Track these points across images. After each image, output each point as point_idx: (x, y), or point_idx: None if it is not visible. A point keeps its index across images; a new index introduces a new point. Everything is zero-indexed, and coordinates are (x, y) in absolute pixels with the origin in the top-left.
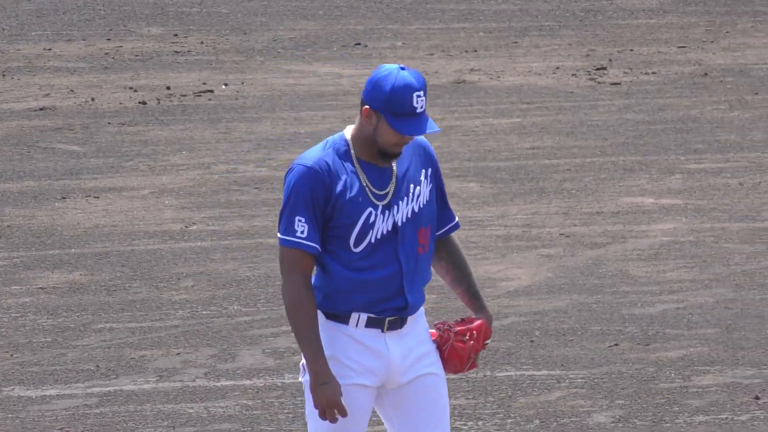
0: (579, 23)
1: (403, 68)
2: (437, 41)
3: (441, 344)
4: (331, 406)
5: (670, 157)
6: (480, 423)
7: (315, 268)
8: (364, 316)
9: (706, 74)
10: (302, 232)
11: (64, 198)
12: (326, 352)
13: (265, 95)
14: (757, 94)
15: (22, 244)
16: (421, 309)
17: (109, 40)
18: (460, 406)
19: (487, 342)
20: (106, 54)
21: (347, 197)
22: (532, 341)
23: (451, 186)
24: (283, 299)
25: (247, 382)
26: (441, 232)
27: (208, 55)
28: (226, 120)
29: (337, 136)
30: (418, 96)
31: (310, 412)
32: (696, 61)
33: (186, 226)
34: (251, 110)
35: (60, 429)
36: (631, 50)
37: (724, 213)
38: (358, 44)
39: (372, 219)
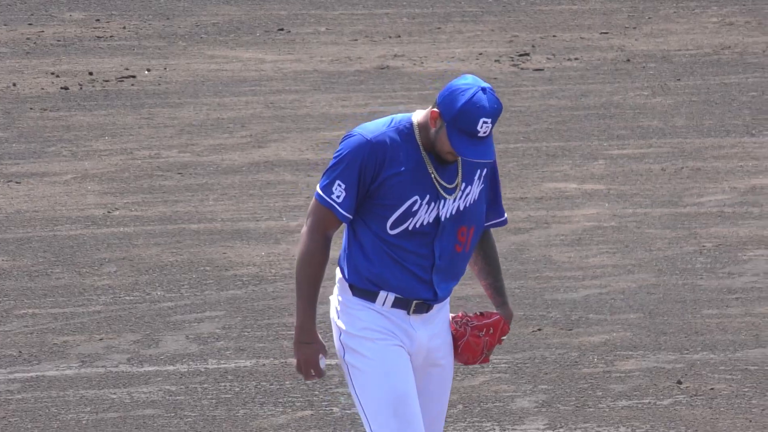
0: (502, 9)
1: (483, 89)
2: (361, 27)
3: (457, 337)
4: (308, 365)
5: (593, 143)
6: None
7: (348, 239)
8: (392, 296)
9: (628, 60)
10: (338, 197)
11: None
12: (358, 325)
13: (188, 81)
14: (679, 80)
15: None
16: (448, 299)
17: (30, 25)
18: None
19: (503, 338)
20: (28, 39)
21: (398, 180)
22: None
23: None
24: (299, 249)
25: (171, 368)
26: (487, 224)
27: (131, 41)
28: (148, 105)
29: (402, 116)
30: (485, 122)
31: (362, 389)
32: (619, 47)
33: (108, 212)
34: (174, 96)
35: None
36: (554, 36)
37: (647, 198)
38: (282, 30)
39: (415, 207)
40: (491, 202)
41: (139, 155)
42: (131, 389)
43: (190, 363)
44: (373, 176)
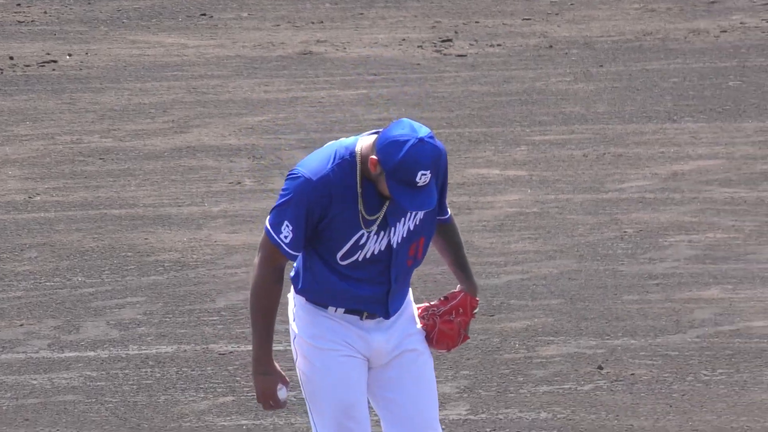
0: None
1: (422, 140)
2: (284, 12)
3: (428, 330)
4: (266, 396)
5: (516, 129)
6: None
7: (299, 262)
8: (341, 309)
9: (551, 46)
10: (286, 237)
11: None
12: (309, 331)
13: (110, 66)
14: (601, 66)
15: None
16: (408, 296)
17: None
18: None
19: (475, 311)
20: None
21: (343, 217)
22: None
23: (296, 158)
24: (252, 280)
25: (91, 354)
26: (439, 219)
27: (52, 25)
28: (70, 90)
29: (345, 147)
30: (423, 174)
31: (310, 395)
32: (541, 33)
33: (29, 197)
34: (96, 81)
35: None
36: (477, 22)
37: (569, 184)
38: (204, 15)
39: (363, 240)
40: (439, 204)
41: (60, 140)
42: (52, 375)
43: (111, 349)
44: (320, 216)
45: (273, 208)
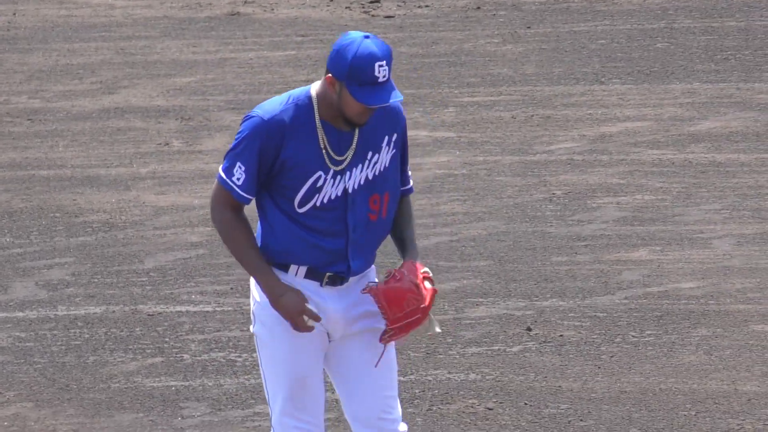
0: None
1: (367, 36)
2: None
3: (377, 300)
4: (298, 313)
5: (444, 90)
6: (255, 355)
7: (259, 219)
8: (303, 268)
9: (479, 8)
10: (238, 179)
11: None
12: None
13: (38, 26)
14: (529, 28)
15: None
16: (371, 267)
17: None
18: (235, 338)
19: (425, 271)
20: None
21: (298, 158)
22: None
23: (225, 119)
24: (217, 230)
25: (20, 314)
26: (401, 189)
27: None
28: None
29: (300, 91)
30: (380, 66)
31: (266, 361)
32: None
33: None
34: (23, 41)
35: None
36: None
37: (497, 146)
38: None
39: (320, 183)
40: (401, 171)
41: None
42: None
43: (40, 309)
44: (274, 156)
45: (227, 153)
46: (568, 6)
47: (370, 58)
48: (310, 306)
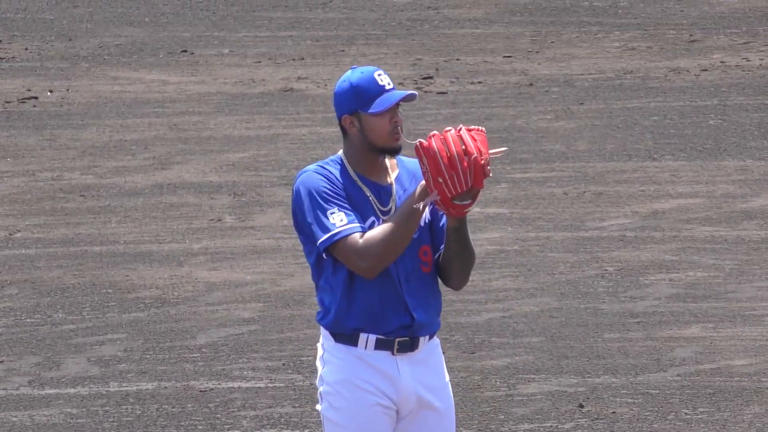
0: (406, 32)
1: (354, 67)
2: (264, 49)
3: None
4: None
5: (497, 166)
6: (306, 431)
7: (319, 284)
8: (372, 337)
9: (531, 84)
10: (341, 220)
11: None
12: (340, 376)
13: (91, 102)
14: (582, 104)
15: None
16: (437, 340)
17: None
18: (287, 414)
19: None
20: None
21: (353, 205)
22: None
23: (277, 195)
24: (377, 260)
25: (72, 391)
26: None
27: (33, 62)
28: (51, 127)
29: (329, 157)
30: (380, 75)
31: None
32: (522, 71)
33: (10, 234)
34: (76, 117)
35: None
36: (458, 60)
37: (549, 222)
38: (185, 51)
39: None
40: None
41: (41, 177)
42: (32, 412)
43: (92, 386)
44: (344, 196)
45: (310, 228)
46: (621, 83)
47: (368, 74)
48: (363, 424)
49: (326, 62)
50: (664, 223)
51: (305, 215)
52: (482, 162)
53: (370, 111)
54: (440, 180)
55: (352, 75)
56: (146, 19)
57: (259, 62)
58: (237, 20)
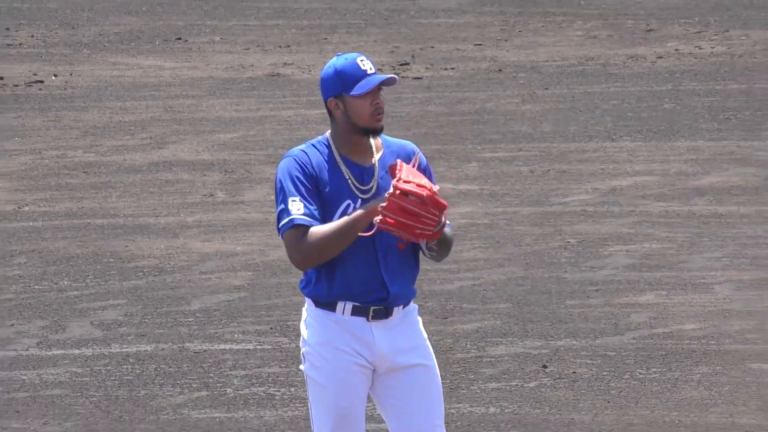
0: (384, 22)
1: (339, 54)
2: (253, 37)
3: (397, 165)
4: (373, 208)
5: (468, 146)
6: (292, 389)
7: None
8: (349, 305)
9: (500, 70)
10: (298, 209)
11: None
12: (320, 338)
13: (92, 86)
14: (547, 89)
15: None
16: (413, 305)
17: None
18: (274, 374)
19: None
20: None
21: (327, 190)
22: None
23: (265, 172)
24: (308, 259)
25: (77, 352)
26: None
27: (39, 48)
28: (56, 109)
29: (318, 137)
30: (362, 60)
31: (313, 398)
32: (491, 57)
33: (19, 207)
34: (79, 100)
35: None
36: (432, 47)
37: (516, 198)
38: (179, 39)
39: (350, 210)
40: None
41: (47, 155)
42: (40, 371)
43: (95, 347)
44: (313, 185)
45: (277, 204)
46: (583, 69)
47: (351, 59)
48: (340, 383)
49: (310, 49)
50: (621, 199)
51: (275, 199)
52: (434, 193)
53: (352, 93)
54: (418, 232)
55: (336, 61)
56: (143, 9)
57: (248, 49)
58: (227, 10)
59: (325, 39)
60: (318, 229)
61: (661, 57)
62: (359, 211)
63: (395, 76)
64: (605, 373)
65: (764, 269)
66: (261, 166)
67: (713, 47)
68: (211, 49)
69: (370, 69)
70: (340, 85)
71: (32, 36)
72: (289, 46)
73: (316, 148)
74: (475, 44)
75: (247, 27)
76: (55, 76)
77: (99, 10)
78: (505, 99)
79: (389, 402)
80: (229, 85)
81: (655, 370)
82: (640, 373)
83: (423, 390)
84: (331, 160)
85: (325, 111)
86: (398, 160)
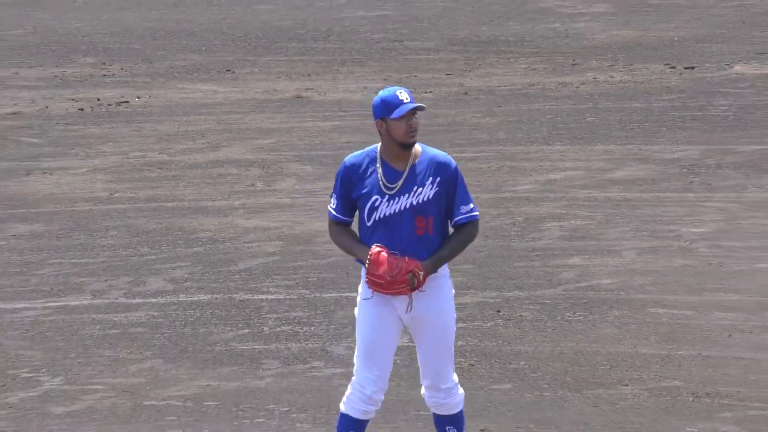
0: (380, 57)
1: (387, 87)
2: (283, 69)
3: (370, 254)
4: (364, 256)
5: (442, 149)
6: (312, 328)
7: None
8: None
9: (466, 93)
10: (333, 206)
11: (28, 174)
12: (362, 294)
13: (165, 105)
14: (500, 107)
15: (0, 206)
16: (440, 273)
17: (57, 66)
18: (298, 317)
19: (416, 270)
20: (56, 76)
21: (366, 187)
22: None
23: (292, 168)
24: (332, 241)
25: (153, 300)
26: (453, 220)
27: (126, 78)
28: (137, 122)
29: (373, 145)
30: (400, 92)
31: (356, 331)
32: (459, 84)
33: (111, 194)
34: (155, 115)
35: (25, 330)
36: (415, 76)
37: (478, 187)
38: (228, 71)
39: (377, 204)
40: (451, 204)
41: (132, 156)
42: (127, 314)
43: (167, 297)
44: (349, 191)
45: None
46: (527, 92)
47: (392, 91)
48: (374, 317)
49: (326, 78)
50: (556, 188)
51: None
52: (391, 280)
53: (392, 117)
54: (395, 292)
55: (383, 92)
56: (203, 48)
57: (279, 78)
58: (264, 49)
59: (337, 70)
60: (338, 233)
61: (583, 83)
62: (357, 251)
63: (423, 105)
64: (543, 316)
65: (659, 239)
66: (289, 164)
67: (622, 77)
68: (252, 78)
69: (406, 99)
70: (383, 110)
71: (121, 68)
72: (309, 76)
73: (367, 155)
74: (446, 74)
75: (278, 61)
76: (138, 98)
77: (170, 48)
78: (469, 114)
79: (416, 342)
80: (265, 104)
81: (579, 314)
82: (568, 316)
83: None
84: (373, 164)
85: (335, 124)
86: (372, 251)
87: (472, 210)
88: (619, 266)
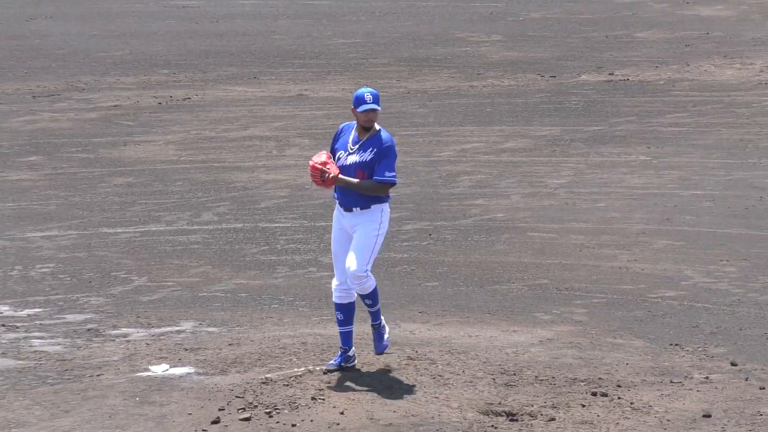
0: (352, 69)
1: (365, 87)
2: (290, 76)
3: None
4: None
5: (392, 129)
6: (309, 245)
7: None
8: (337, 204)
9: (408, 92)
10: (329, 148)
11: (125, 145)
12: (334, 217)
13: (213, 100)
14: (431, 101)
15: (107, 165)
16: (373, 207)
17: (144, 75)
18: (301, 238)
19: (324, 162)
20: (143, 82)
21: (338, 144)
22: None
23: (296, 141)
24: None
25: (206, 227)
26: (374, 177)
27: (189, 82)
28: (196, 111)
29: (353, 121)
30: (367, 94)
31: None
32: (404, 87)
33: (179, 158)
34: (208, 107)
35: (122, 246)
36: (377, 82)
37: (417, 153)
38: (256, 78)
39: (341, 156)
40: (376, 168)
41: (192, 133)
42: (188, 236)
43: (213, 225)
44: (335, 141)
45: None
46: (448, 91)
47: (363, 92)
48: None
49: (318, 82)
50: (467, 154)
51: None
52: (313, 165)
53: (358, 110)
54: (315, 181)
55: (358, 91)
56: (237, 62)
57: (288, 82)
58: (279, 63)
59: (325, 77)
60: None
61: (485, 86)
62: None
63: (378, 107)
64: (459, 238)
65: (534, 188)
66: (294, 138)
67: (509, 82)
68: (270, 82)
69: (369, 100)
70: (355, 103)
71: (185, 76)
72: (307, 81)
73: (351, 125)
74: (396, 80)
75: (287, 72)
76: (196, 95)
77: (217, 63)
78: (411, 107)
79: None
80: (278, 100)
81: (483, 236)
82: (476, 238)
83: (354, 242)
84: (350, 131)
85: (326, 113)
86: (324, 153)
87: (391, 177)
88: (508, 205)
